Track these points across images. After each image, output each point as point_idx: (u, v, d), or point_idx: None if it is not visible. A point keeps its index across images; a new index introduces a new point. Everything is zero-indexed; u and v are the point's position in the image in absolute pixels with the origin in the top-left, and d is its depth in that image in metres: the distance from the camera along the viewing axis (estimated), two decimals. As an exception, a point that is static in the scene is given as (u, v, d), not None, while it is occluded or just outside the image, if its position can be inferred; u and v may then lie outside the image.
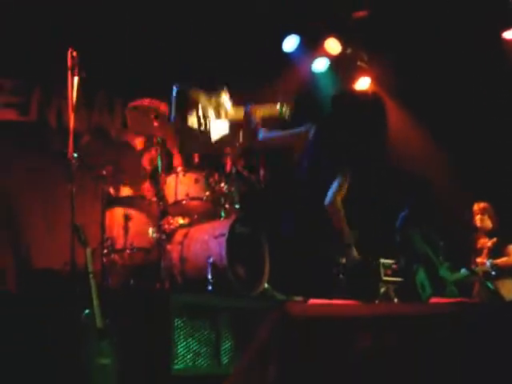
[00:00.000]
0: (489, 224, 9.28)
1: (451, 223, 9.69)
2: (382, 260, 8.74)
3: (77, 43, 6.62)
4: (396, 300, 8.55)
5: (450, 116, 10.21)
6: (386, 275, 8.83)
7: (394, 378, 3.10)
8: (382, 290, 8.61)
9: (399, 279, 8.75)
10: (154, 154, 7.57)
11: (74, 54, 6.45)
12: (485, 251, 9.03)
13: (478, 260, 9.00)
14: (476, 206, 9.38)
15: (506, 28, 9.57)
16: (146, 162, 7.88)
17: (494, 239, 9.00)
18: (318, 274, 7.73)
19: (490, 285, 8.76)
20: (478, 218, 9.33)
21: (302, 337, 2.94)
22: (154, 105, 7.53)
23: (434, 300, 5.52)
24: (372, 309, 3.36)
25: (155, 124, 7.34)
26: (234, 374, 3.35)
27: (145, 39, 8.66)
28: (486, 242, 9.12)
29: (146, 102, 7.62)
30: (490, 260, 8.92)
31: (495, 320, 3.41)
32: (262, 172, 8.32)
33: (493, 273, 8.84)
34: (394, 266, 8.84)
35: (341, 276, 8.05)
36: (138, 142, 8.08)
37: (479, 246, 9.25)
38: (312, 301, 3.53)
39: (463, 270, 8.45)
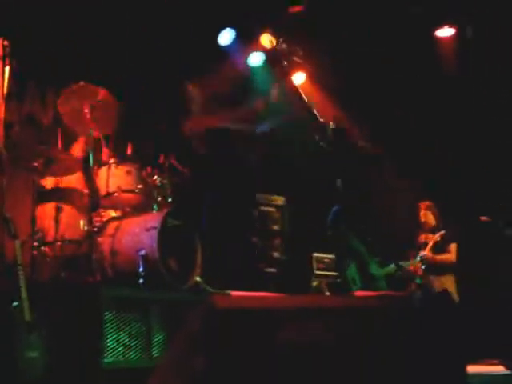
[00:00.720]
0: (432, 220, 9.56)
1: (384, 219, 9.86)
2: (316, 254, 8.83)
3: (7, 33, 6.52)
4: (328, 294, 8.65)
5: (387, 113, 10.35)
6: (318, 269, 8.93)
7: (317, 369, 3.14)
8: (315, 283, 8.70)
9: (332, 273, 8.86)
10: (84, 145, 7.51)
11: (6, 43, 6.34)
12: (430, 244, 9.23)
13: (422, 253, 9.18)
14: (421, 204, 9.64)
15: (439, 26, 9.72)
16: (76, 152, 7.81)
17: (442, 232, 9.22)
18: (247, 267, 7.81)
19: (418, 280, 8.92)
20: (422, 213, 9.57)
21: (226, 328, 2.96)
22: (90, 88, 7.45)
23: (359, 293, 5.59)
24: (295, 301, 3.39)
25: (86, 113, 7.25)
26: (161, 364, 3.36)
27: (76, 27, 8.58)
28: (431, 237, 9.32)
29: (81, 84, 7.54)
30: (422, 254, 9.10)
31: (419, 312, 3.48)
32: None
33: (423, 266, 9.01)
34: (326, 260, 8.94)
35: (271, 270, 8.14)
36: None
37: (423, 240, 9.46)
38: (234, 293, 3.55)
39: (391, 265, 8.59)
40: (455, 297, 9.19)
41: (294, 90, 10.31)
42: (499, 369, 6.94)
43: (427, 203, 9.73)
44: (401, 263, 8.65)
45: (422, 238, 9.58)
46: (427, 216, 9.66)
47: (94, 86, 7.50)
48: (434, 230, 9.51)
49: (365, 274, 8.22)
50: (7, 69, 6.35)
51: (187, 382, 2.91)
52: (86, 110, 7.30)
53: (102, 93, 7.50)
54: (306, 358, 3.11)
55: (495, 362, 7.90)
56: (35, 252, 6.76)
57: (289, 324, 3.11)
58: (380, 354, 3.31)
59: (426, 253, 9.14)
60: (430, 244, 9.23)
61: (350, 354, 3.22)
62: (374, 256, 8.45)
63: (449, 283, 9.23)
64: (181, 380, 2.94)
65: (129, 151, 7.99)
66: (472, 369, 6.71)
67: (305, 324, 3.13)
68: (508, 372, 6.61)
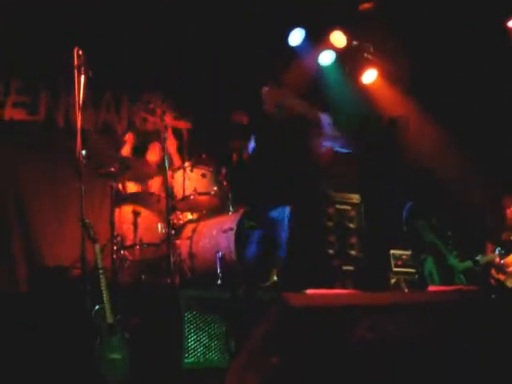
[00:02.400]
0: None
1: (463, 213, 9.71)
2: (392, 251, 8.77)
3: (83, 42, 6.67)
4: (406, 290, 8.59)
5: (460, 107, 10.20)
6: (396, 266, 8.87)
7: (393, 367, 3.15)
8: (393, 280, 8.65)
9: (410, 270, 8.79)
10: (159, 150, 7.63)
11: (81, 53, 6.48)
12: None
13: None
14: (507, 200, 9.46)
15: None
16: (151, 157, 7.93)
17: None
18: (325, 266, 7.80)
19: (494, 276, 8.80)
20: (509, 211, 9.41)
21: (300, 326, 2.99)
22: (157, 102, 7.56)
23: (432, 288, 5.54)
24: (369, 297, 3.40)
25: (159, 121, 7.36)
26: (237, 361, 3.41)
27: (148, 38, 8.73)
28: None
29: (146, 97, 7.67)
30: (499, 249, 8.96)
31: (493, 307, 3.45)
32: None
33: (502, 261, 8.88)
34: (404, 257, 8.88)
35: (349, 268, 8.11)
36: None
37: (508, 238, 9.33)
38: (310, 291, 3.56)
39: (468, 262, 8.46)
40: None
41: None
42: None
43: None
44: (477, 258, 8.52)
45: (508, 236, 9.43)
46: None
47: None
48: None
49: (443, 269, 8.14)
50: (83, 78, 6.46)
51: (262, 380, 2.95)
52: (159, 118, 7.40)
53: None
54: (381, 356, 3.12)
55: None
56: (115, 256, 6.90)
57: (364, 321, 3.12)
58: (457, 350, 3.29)
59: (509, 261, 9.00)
60: None
61: (427, 351, 3.21)
62: (453, 249, 8.35)
63: None
64: (256, 377, 2.99)
65: (203, 155, 8.06)
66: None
67: (380, 321, 3.14)
68: None
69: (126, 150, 7.91)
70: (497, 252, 8.91)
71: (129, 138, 8.05)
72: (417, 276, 8.51)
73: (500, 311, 3.72)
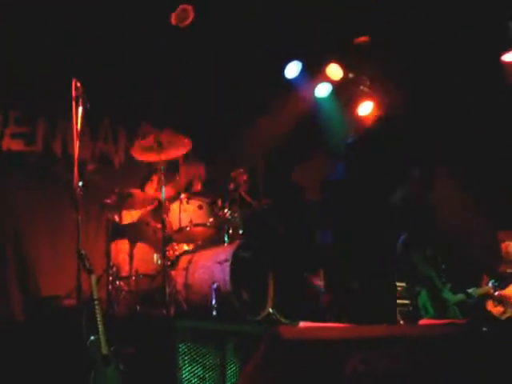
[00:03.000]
0: None
1: (459, 246, 9.74)
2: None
3: (81, 73, 6.72)
4: (402, 322, 8.60)
5: (454, 136, 10.25)
6: (394, 298, 8.88)
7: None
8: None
9: (404, 301, 8.80)
10: (157, 183, 7.67)
11: (78, 84, 6.52)
12: None
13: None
14: (503, 233, 9.54)
15: (505, 51, 9.63)
16: (150, 190, 7.96)
17: None
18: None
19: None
20: (505, 244, 9.48)
21: (293, 359, 3.01)
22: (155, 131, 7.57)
23: (424, 321, 5.54)
24: (361, 331, 3.42)
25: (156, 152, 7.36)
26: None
27: (145, 70, 8.79)
28: None
29: (145, 128, 7.70)
30: (493, 281, 8.98)
31: (485, 341, 3.47)
32: (264, 198, 8.42)
33: (495, 293, 8.91)
34: (399, 289, 8.90)
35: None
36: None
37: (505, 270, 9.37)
38: (303, 323, 3.58)
39: (460, 294, 8.47)
40: None
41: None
42: None
43: (508, 233, 9.61)
44: (470, 291, 8.53)
45: (505, 268, 9.46)
46: (509, 247, 9.54)
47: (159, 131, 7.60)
48: None
49: (437, 301, 8.14)
50: (80, 109, 6.50)
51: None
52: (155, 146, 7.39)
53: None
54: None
55: None
56: (110, 287, 6.91)
57: (356, 354, 3.14)
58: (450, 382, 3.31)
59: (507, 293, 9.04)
60: None
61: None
62: (447, 282, 8.36)
63: None
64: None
65: (199, 186, 8.10)
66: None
67: (372, 354, 3.16)
68: None
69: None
70: (490, 284, 8.94)
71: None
72: (411, 308, 8.52)
73: (491, 343, 3.74)
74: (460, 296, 8.42)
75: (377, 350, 3.17)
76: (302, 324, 3.57)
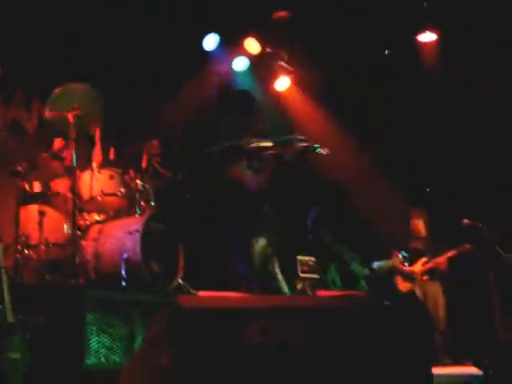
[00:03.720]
0: (423, 230, 9.70)
1: (365, 220, 9.91)
2: (299, 257, 8.90)
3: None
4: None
5: (368, 115, 10.41)
6: (302, 272, 9.00)
7: (283, 370, 3.22)
8: (299, 286, 8.79)
9: (315, 276, 8.93)
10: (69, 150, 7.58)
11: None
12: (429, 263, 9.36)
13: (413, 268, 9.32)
14: (412, 210, 9.74)
15: (421, 31, 9.81)
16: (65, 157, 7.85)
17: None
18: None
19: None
20: (414, 222, 9.69)
21: (193, 327, 3.04)
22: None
23: (321, 293, 5.63)
24: (260, 300, 3.47)
25: (71, 119, 7.28)
26: (130, 362, 3.44)
27: (64, 37, 8.65)
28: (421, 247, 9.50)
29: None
30: (402, 252, 9.19)
31: (385, 314, 3.55)
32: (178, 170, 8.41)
33: (406, 267, 9.13)
34: (310, 263, 9.03)
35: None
36: (57, 141, 8.01)
37: (415, 247, 9.58)
38: (201, 293, 3.62)
39: (365, 269, 8.65)
40: (442, 303, 9.35)
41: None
42: (470, 370, 7.01)
43: (418, 211, 9.81)
44: (378, 264, 8.72)
45: (414, 245, 9.68)
46: (419, 224, 9.75)
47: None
48: (423, 239, 9.65)
49: (346, 275, 8.30)
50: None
51: (153, 380, 2.99)
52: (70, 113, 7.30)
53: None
54: (271, 358, 3.19)
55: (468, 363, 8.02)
56: (19, 255, 6.83)
57: (254, 324, 3.19)
58: (342, 354, 3.38)
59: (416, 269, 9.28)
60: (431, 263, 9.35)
61: (314, 354, 3.29)
62: (355, 256, 8.52)
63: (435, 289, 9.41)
64: (146, 378, 3.02)
65: (111, 156, 8.04)
66: (441, 370, 6.83)
67: (270, 324, 3.21)
68: (479, 373, 6.68)
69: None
70: (400, 256, 9.14)
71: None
72: (320, 282, 8.68)
73: (391, 317, 3.84)
74: (364, 270, 8.60)
75: (275, 320, 3.23)
76: (200, 293, 3.59)
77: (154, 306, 6.63)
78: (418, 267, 9.39)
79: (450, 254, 9.34)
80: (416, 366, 3.77)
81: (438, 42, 9.83)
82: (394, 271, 9.21)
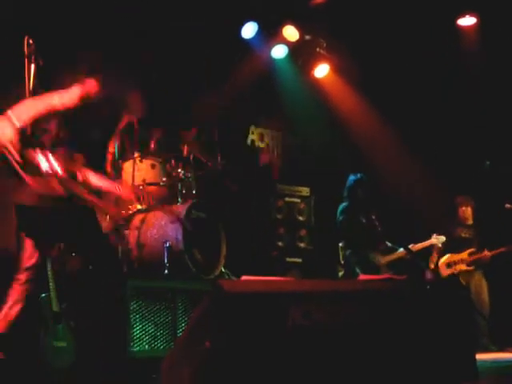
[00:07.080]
0: (470, 217, 9.65)
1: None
2: (341, 244, 8.91)
3: (32, 30, 6.61)
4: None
5: (406, 103, 10.35)
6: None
7: (324, 353, 3.22)
8: (341, 273, 8.82)
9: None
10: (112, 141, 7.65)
11: (31, 41, 6.42)
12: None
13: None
14: (460, 198, 9.69)
15: (461, 15, 9.71)
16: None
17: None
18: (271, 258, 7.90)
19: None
20: (462, 209, 9.65)
21: (235, 311, 3.05)
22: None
23: (362, 277, 5.62)
24: (303, 285, 3.48)
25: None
26: (173, 348, 3.46)
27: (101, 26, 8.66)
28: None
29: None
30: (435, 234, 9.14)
31: (422, 296, 3.54)
32: (219, 158, 8.43)
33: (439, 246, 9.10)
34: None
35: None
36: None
37: (460, 234, 9.54)
38: (244, 277, 3.63)
39: (400, 249, 8.61)
40: (486, 290, 9.32)
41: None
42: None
43: (466, 198, 9.75)
44: (410, 246, 8.67)
45: (460, 233, 9.63)
46: (466, 212, 9.70)
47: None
48: (470, 227, 9.60)
49: (365, 264, 8.34)
50: (32, 67, 6.39)
51: (196, 365, 3.01)
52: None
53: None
54: (313, 342, 3.19)
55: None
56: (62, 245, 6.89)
57: (297, 308, 3.19)
58: (386, 337, 3.38)
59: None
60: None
61: (358, 337, 3.29)
62: (378, 245, 8.56)
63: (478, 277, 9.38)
64: (190, 362, 3.04)
65: (152, 145, 8.07)
66: (485, 356, 6.78)
67: (312, 308, 3.21)
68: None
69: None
70: (437, 237, 9.09)
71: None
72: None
73: (434, 301, 3.82)
74: (390, 256, 8.61)
75: (318, 304, 3.23)
76: (243, 277, 3.61)
77: (196, 293, 6.69)
78: (463, 256, 9.37)
79: (500, 251, 9.29)
80: (459, 350, 3.75)
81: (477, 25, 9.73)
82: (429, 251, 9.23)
